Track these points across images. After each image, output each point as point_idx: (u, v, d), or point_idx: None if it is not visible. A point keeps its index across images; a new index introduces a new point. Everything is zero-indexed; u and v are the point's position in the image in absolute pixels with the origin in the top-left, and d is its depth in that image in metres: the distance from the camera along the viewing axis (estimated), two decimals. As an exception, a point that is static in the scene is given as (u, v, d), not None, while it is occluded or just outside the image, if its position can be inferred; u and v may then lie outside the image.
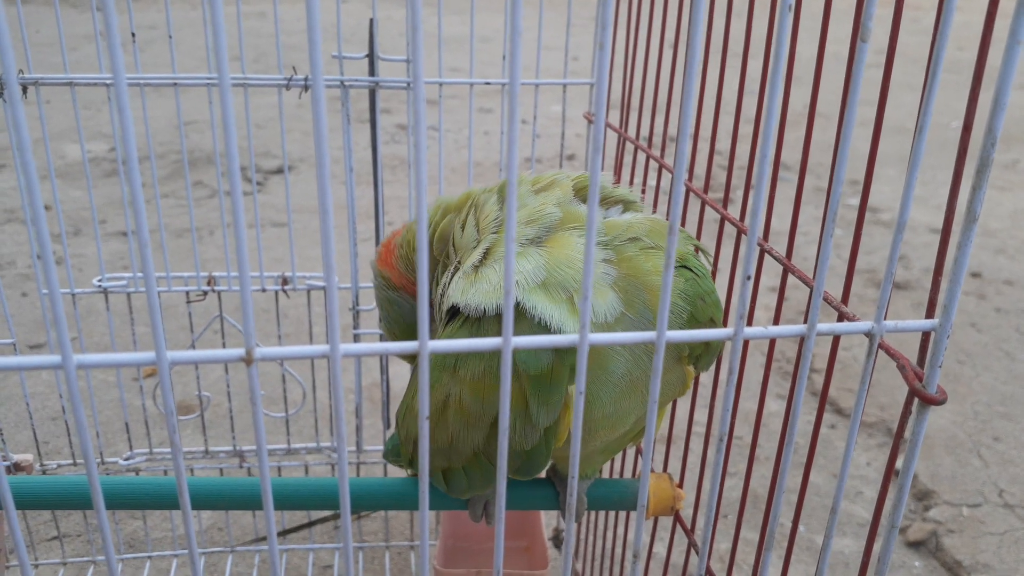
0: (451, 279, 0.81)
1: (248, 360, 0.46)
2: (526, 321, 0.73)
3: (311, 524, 1.56)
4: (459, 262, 0.82)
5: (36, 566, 1.59)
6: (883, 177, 4.16)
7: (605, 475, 1.49)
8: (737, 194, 3.69)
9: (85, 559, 1.61)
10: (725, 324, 0.88)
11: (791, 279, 2.88)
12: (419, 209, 0.46)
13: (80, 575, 1.60)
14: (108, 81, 1.22)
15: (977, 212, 0.47)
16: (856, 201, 3.67)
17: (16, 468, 1.39)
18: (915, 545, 1.78)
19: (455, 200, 0.90)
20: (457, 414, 0.77)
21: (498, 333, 0.74)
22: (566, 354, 0.73)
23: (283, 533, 1.58)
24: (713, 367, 0.99)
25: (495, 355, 0.74)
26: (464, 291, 0.77)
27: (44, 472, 1.54)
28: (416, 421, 0.86)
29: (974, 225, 0.48)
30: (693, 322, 0.79)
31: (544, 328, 0.72)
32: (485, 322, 0.75)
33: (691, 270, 0.80)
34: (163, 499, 0.81)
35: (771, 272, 2.90)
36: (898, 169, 4.30)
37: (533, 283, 0.74)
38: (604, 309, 0.74)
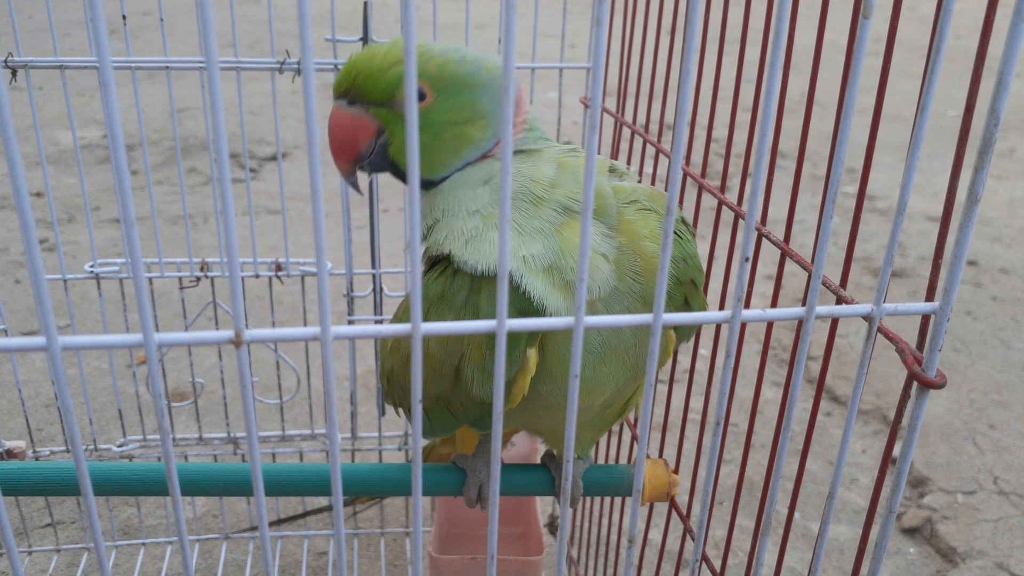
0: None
1: (237, 342, 0.45)
2: (510, 288, 0.73)
3: (306, 514, 1.56)
4: None
5: (30, 553, 1.59)
6: (879, 165, 4.15)
7: (600, 461, 1.48)
8: (734, 182, 3.69)
9: (79, 546, 1.60)
10: (706, 291, 0.89)
11: (788, 268, 2.88)
12: (412, 192, 0.45)
13: (74, 562, 1.59)
14: (98, 64, 1.20)
15: (979, 193, 0.46)
16: (853, 189, 3.67)
17: (8, 455, 1.38)
18: (910, 531, 1.78)
19: None
20: (424, 361, 0.78)
21: (479, 293, 0.75)
22: (523, 313, 0.73)
23: (279, 522, 1.58)
24: (710, 354, 0.98)
25: (465, 308, 0.75)
26: (467, 243, 0.76)
27: (37, 459, 1.54)
28: (390, 357, 0.87)
29: (976, 207, 0.47)
30: (676, 284, 0.81)
31: (526, 299, 0.73)
32: (475, 280, 0.75)
33: (675, 232, 0.81)
34: (152, 485, 0.80)
35: (768, 260, 2.90)
36: (894, 157, 4.29)
37: (537, 266, 0.73)
38: (598, 284, 0.74)
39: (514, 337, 0.74)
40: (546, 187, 0.78)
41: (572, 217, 0.77)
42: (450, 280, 0.76)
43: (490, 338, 0.74)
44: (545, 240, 0.75)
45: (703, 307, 0.86)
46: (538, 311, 0.73)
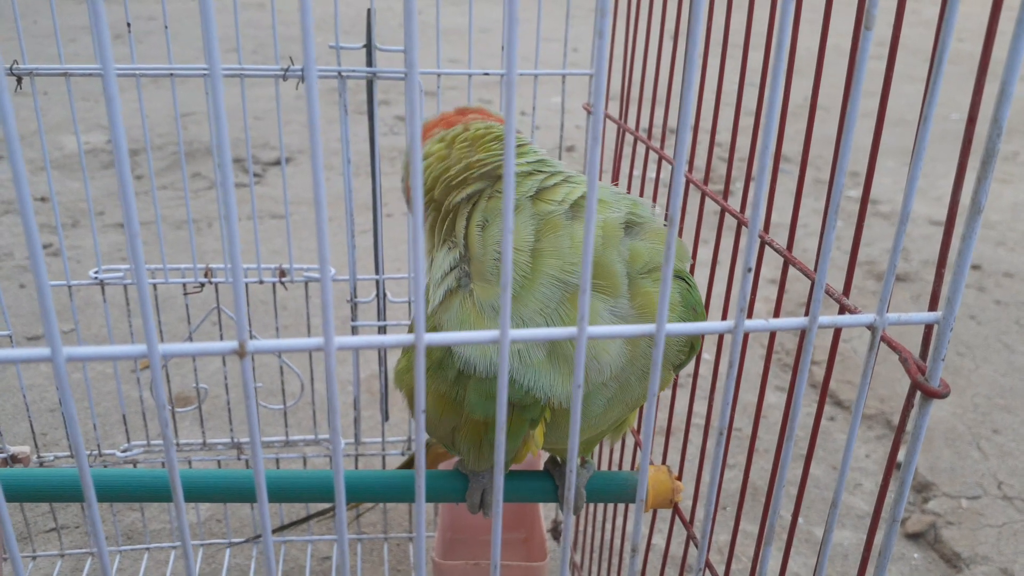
0: (454, 286, 0.78)
1: (241, 353, 0.45)
2: (510, 386, 0.73)
3: (309, 518, 1.56)
4: (468, 267, 0.77)
5: (34, 558, 1.59)
6: (882, 169, 4.15)
7: (604, 467, 1.48)
8: (737, 186, 3.68)
9: (83, 551, 1.60)
10: (710, 297, 0.90)
11: (792, 272, 2.87)
12: (415, 201, 0.45)
13: (78, 566, 1.59)
14: (102, 74, 1.20)
15: (982, 204, 0.46)
16: (856, 193, 3.66)
17: (13, 460, 1.39)
18: (914, 537, 1.78)
19: (461, 159, 0.82)
20: (428, 411, 0.81)
21: (465, 386, 0.76)
22: (525, 409, 0.74)
23: (282, 528, 1.58)
24: (713, 359, 0.98)
25: (456, 383, 0.76)
26: (460, 327, 0.75)
27: (41, 464, 1.54)
28: (403, 382, 0.88)
29: (979, 217, 0.47)
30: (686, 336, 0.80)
31: (530, 396, 0.73)
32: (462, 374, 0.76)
33: (686, 281, 0.81)
34: (156, 491, 0.80)
35: (771, 264, 2.90)
36: (897, 161, 4.29)
37: (536, 358, 0.72)
38: (608, 365, 0.74)
39: (515, 428, 0.75)
40: (527, 257, 0.73)
41: (573, 291, 0.73)
42: (447, 354, 0.76)
43: (486, 423, 0.76)
44: (549, 323, 0.72)
45: (700, 347, 0.87)
46: (544, 406, 0.74)
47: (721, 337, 0.90)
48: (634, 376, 0.76)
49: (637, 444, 1.22)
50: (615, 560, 1.41)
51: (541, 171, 0.80)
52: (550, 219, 0.75)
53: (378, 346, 0.46)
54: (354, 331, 1.43)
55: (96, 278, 1.38)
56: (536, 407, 0.73)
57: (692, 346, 0.83)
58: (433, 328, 0.78)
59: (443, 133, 0.87)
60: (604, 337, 0.49)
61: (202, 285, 1.39)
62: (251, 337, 0.67)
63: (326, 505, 1.71)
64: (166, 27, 1.22)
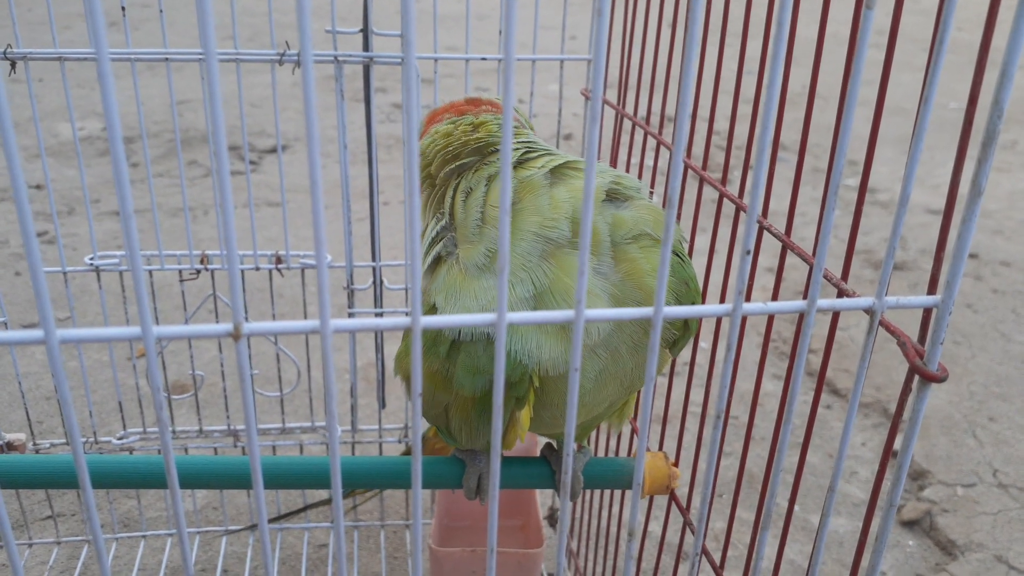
0: (443, 253, 0.80)
1: (236, 335, 0.45)
2: (492, 345, 0.73)
3: (306, 508, 1.56)
4: (455, 235, 0.80)
5: (30, 545, 1.59)
6: (880, 157, 4.14)
7: (600, 454, 1.48)
8: (735, 174, 3.68)
9: (79, 538, 1.60)
10: (707, 285, 0.91)
11: (789, 260, 2.87)
12: (411, 197, 0.45)
13: (75, 554, 1.59)
14: (96, 55, 1.19)
15: (982, 186, 0.46)
16: (853, 182, 3.66)
17: (8, 447, 1.38)
18: (909, 524, 1.79)
19: (461, 137, 0.85)
20: (423, 389, 0.81)
21: (455, 359, 0.76)
22: (512, 387, 0.74)
23: (278, 518, 1.58)
24: (710, 347, 0.98)
25: (449, 359, 0.77)
26: (448, 297, 0.76)
27: (37, 451, 1.54)
28: (401, 366, 0.88)
29: (979, 199, 0.47)
30: (678, 306, 0.80)
31: (517, 363, 0.73)
32: (454, 342, 0.76)
33: (678, 255, 0.81)
34: (151, 478, 0.80)
35: (768, 253, 2.90)
36: (895, 150, 4.28)
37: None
38: (597, 327, 0.74)
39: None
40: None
41: (554, 247, 0.74)
42: (438, 330, 0.77)
43: (476, 401, 0.76)
44: (533, 279, 0.73)
45: (698, 326, 0.88)
46: (532, 371, 0.73)
47: (718, 323, 0.90)
48: (623, 346, 0.76)
49: (634, 431, 1.22)
50: (611, 547, 1.41)
51: (529, 148, 0.82)
52: (529, 181, 0.77)
53: (373, 328, 0.46)
54: (350, 318, 1.43)
55: (91, 264, 1.37)
56: (523, 383, 0.73)
57: (686, 323, 0.84)
58: (426, 303, 0.79)
59: (454, 118, 0.89)
60: (600, 319, 0.49)
61: (198, 271, 1.39)
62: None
63: (323, 495, 1.71)
64: (161, 11, 1.21)
